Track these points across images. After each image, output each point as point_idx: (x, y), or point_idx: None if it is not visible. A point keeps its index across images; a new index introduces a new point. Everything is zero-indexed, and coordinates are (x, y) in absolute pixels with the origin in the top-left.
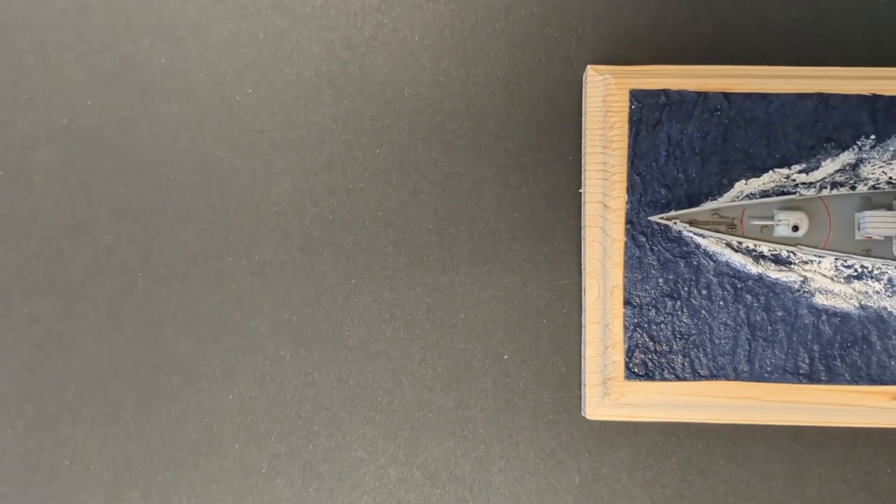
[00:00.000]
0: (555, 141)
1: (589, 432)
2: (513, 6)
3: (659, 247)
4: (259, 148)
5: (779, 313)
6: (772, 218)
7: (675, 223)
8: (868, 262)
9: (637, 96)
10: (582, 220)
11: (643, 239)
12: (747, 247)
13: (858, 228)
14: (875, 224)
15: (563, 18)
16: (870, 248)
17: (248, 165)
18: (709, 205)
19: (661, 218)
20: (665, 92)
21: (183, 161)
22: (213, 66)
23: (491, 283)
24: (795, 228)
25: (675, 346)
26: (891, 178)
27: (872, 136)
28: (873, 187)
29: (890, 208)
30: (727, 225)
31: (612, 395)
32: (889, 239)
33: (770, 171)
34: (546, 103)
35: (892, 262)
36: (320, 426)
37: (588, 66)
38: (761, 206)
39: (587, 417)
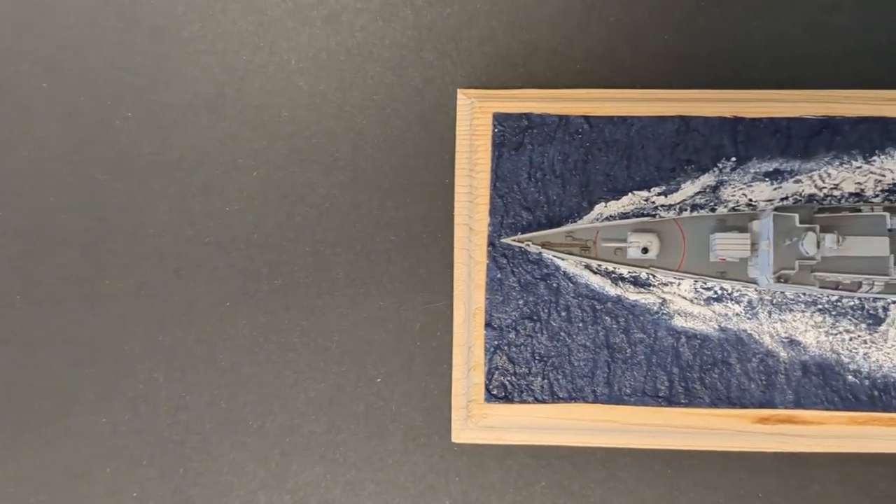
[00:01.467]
0: (431, 164)
1: (460, 455)
2: (389, 30)
3: (520, 269)
4: (137, 171)
5: (638, 335)
6: (625, 240)
7: (528, 245)
8: (727, 285)
9: (500, 120)
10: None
11: (504, 261)
12: (606, 269)
13: (712, 251)
14: (725, 246)
15: (440, 42)
16: (724, 271)
17: (126, 188)
18: (563, 227)
19: (514, 240)
20: (527, 115)
21: (62, 183)
22: (93, 90)
23: (366, 306)
24: (645, 250)
25: (534, 368)
26: (750, 200)
27: (733, 159)
28: (733, 209)
29: (745, 230)
30: (581, 247)
31: (473, 418)
32: (744, 261)
33: (630, 194)
34: (422, 126)
35: (746, 284)
36: (192, 450)
37: (458, 90)
38: (615, 228)
39: (453, 441)
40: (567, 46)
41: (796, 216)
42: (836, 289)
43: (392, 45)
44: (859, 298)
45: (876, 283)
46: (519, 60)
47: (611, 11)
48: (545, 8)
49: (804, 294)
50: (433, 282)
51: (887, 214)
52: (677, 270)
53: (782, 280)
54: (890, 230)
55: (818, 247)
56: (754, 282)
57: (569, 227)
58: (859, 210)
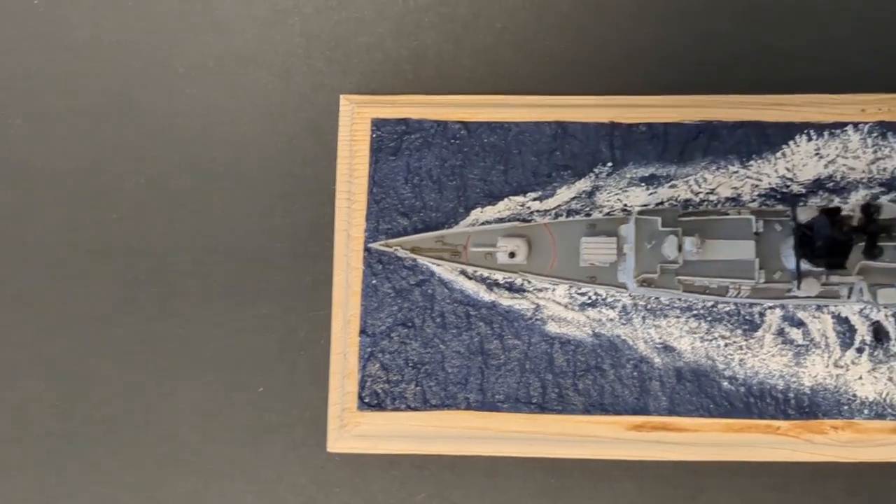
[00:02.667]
0: (317, 171)
1: (341, 466)
2: (277, 37)
3: (395, 275)
4: (23, 177)
5: (511, 341)
6: (494, 245)
7: (396, 250)
8: (602, 290)
9: (378, 125)
10: None
11: (380, 267)
12: (482, 275)
13: (581, 255)
14: (592, 251)
15: (328, 49)
16: (594, 276)
17: (11, 195)
18: (434, 232)
19: (382, 245)
20: (405, 121)
21: None
22: None
23: (249, 314)
24: (512, 255)
25: (407, 376)
26: (626, 205)
27: (609, 164)
28: (608, 214)
29: (614, 235)
30: (451, 252)
31: (347, 427)
32: (614, 266)
33: (506, 199)
34: (310, 133)
35: (619, 289)
36: (67, 459)
37: (341, 96)
38: (485, 233)
39: (328, 450)
40: (454, 53)
41: (659, 219)
42: (704, 293)
43: (280, 52)
44: (735, 304)
45: (742, 288)
46: (407, 67)
47: (497, 18)
48: (432, 15)
49: (679, 300)
50: (317, 289)
51: (753, 217)
52: (547, 275)
53: (646, 284)
54: (757, 234)
55: (679, 250)
56: (623, 286)
57: (439, 232)
58: (726, 213)
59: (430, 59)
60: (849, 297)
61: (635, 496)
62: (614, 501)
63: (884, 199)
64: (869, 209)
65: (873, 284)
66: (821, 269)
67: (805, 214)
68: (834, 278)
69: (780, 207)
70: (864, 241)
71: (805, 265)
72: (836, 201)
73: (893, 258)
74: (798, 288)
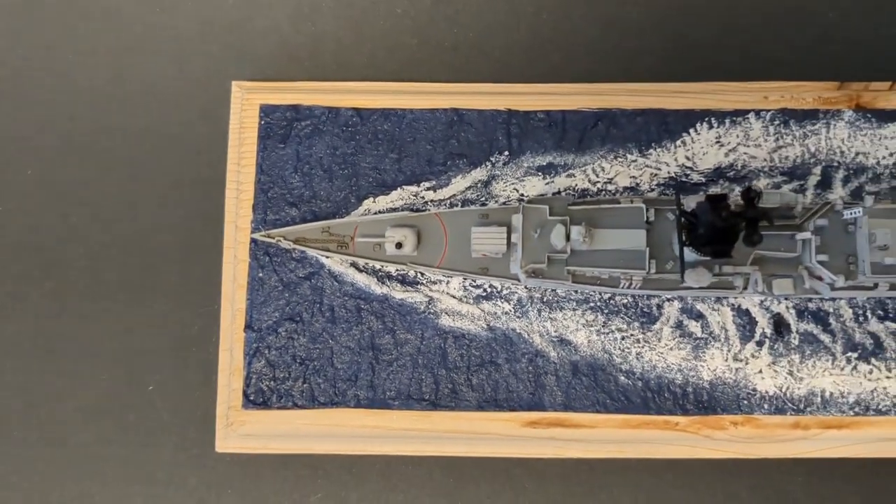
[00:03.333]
0: (211, 160)
1: (232, 466)
2: (171, 22)
3: (283, 268)
4: None
5: (403, 336)
6: (383, 235)
7: (280, 241)
8: (497, 283)
9: (267, 111)
10: None
11: (267, 260)
12: (374, 267)
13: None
14: (482, 241)
15: (223, 34)
16: (487, 267)
17: None
18: (320, 222)
19: (263, 235)
20: (295, 107)
21: None
22: None
23: (142, 310)
24: (399, 245)
25: (294, 372)
26: (522, 194)
27: (506, 153)
28: (504, 204)
29: (506, 225)
30: (338, 243)
31: (233, 426)
32: (507, 257)
33: (399, 189)
34: (204, 121)
35: (515, 281)
36: None
37: (232, 83)
38: (374, 223)
39: (217, 450)
40: (353, 39)
41: (547, 208)
42: (597, 284)
43: (174, 37)
44: (633, 296)
45: (634, 279)
46: (304, 53)
47: (397, 4)
48: (330, 0)
49: (576, 292)
50: (209, 283)
51: (644, 206)
52: (437, 267)
53: (535, 275)
54: (648, 223)
55: (567, 239)
56: (516, 278)
57: (325, 222)
58: (618, 202)
59: (328, 46)
60: (745, 288)
61: (536, 494)
62: (514, 500)
63: (785, 188)
64: (749, 194)
65: (769, 275)
66: (707, 258)
67: (693, 203)
68: (727, 269)
69: (672, 196)
70: (744, 229)
71: (695, 255)
72: (737, 190)
73: (790, 248)
74: (682, 278)
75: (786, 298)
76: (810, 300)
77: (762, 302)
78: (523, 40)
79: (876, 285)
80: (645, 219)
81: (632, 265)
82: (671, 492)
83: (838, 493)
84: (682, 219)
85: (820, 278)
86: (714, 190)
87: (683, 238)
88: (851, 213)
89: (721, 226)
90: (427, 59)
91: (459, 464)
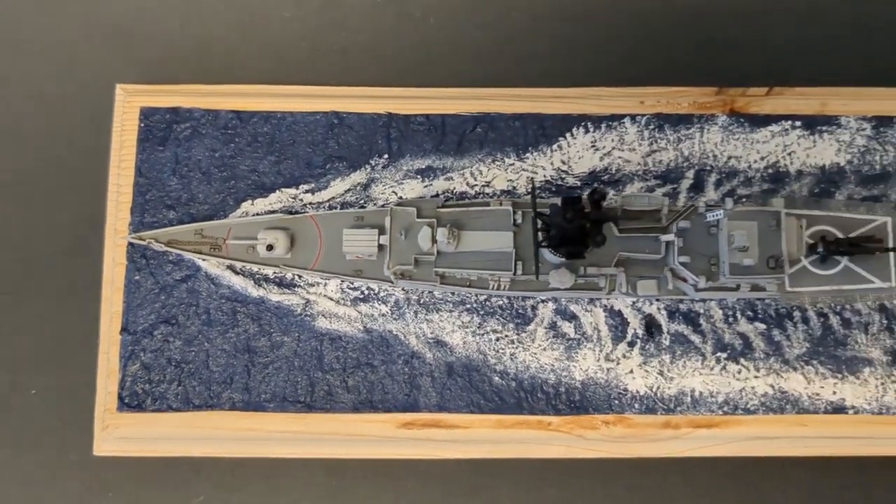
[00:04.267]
0: (96, 163)
1: (112, 469)
2: (56, 23)
3: (160, 270)
4: None
5: (279, 338)
6: (256, 238)
7: (151, 243)
8: (374, 285)
9: (147, 114)
10: None
11: (144, 262)
12: (250, 270)
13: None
14: (353, 243)
15: (109, 37)
16: (361, 269)
17: None
18: (193, 224)
19: (135, 237)
20: (175, 110)
21: None
22: None
23: (24, 313)
24: (270, 248)
25: (169, 375)
26: (401, 197)
27: (386, 156)
28: (382, 206)
29: (378, 227)
30: (211, 245)
31: (108, 429)
32: (381, 259)
33: (278, 191)
34: (89, 124)
35: (385, 283)
36: None
37: (116, 85)
38: (247, 225)
39: (94, 454)
40: (241, 43)
41: (414, 210)
42: (468, 286)
43: (59, 40)
44: (508, 298)
45: (502, 280)
46: (191, 56)
47: (286, 8)
48: (219, 3)
49: (452, 294)
50: (92, 286)
51: (511, 209)
52: (311, 269)
53: (405, 277)
54: (516, 225)
55: (433, 242)
56: (389, 280)
57: (198, 224)
58: (487, 204)
59: (216, 49)
60: (612, 289)
61: (417, 495)
62: (396, 501)
63: (659, 192)
64: (594, 196)
65: (634, 276)
66: (562, 259)
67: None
68: (592, 270)
69: (543, 200)
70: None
71: (555, 257)
72: (612, 193)
73: (655, 250)
74: (537, 278)
75: (657, 300)
76: (681, 301)
77: (634, 303)
78: (411, 45)
79: (738, 286)
80: (512, 221)
81: (499, 267)
82: (551, 491)
83: (713, 491)
84: (538, 221)
85: (684, 280)
86: (621, 197)
87: (540, 240)
88: (713, 216)
89: (567, 227)
90: (316, 62)
91: (342, 465)
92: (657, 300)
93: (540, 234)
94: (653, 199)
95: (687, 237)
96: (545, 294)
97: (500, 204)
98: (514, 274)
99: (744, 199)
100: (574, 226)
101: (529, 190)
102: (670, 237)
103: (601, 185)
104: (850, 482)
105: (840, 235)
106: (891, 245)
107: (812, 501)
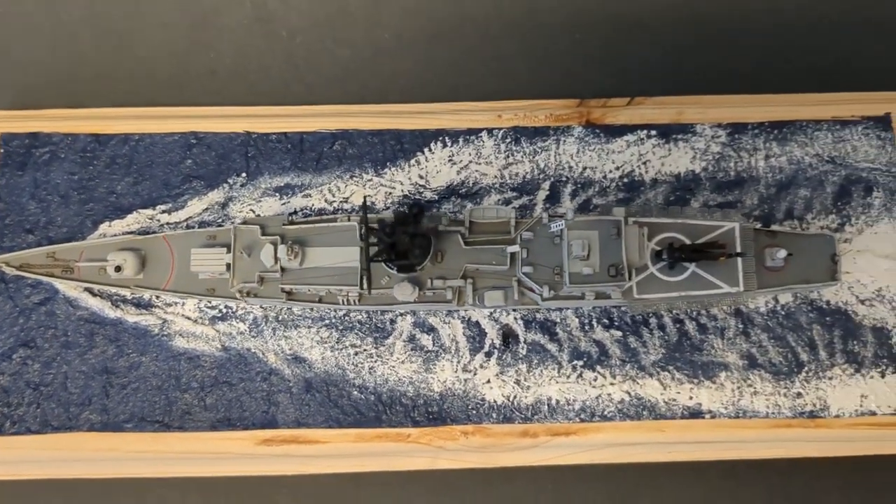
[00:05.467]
0: None
1: None
2: None
3: (18, 294)
4: None
5: (137, 358)
6: (107, 259)
7: (1, 266)
8: (232, 303)
9: (6, 140)
10: None
11: (3, 286)
12: (107, 291)
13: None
14: (201, 262)
15: None
16: (214, 288)
17: None
18: (44, 247)
19: None
20: (35, 135)
21: None
22: None
23: None
24: (118, 269)
25: (27, 398)
26: (258, 216)
27: (244, 174)
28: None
29: (227, 246)
30: (63, 268)
31: None
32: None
33: (135, 212)
34: None
35: (232, 300)
36: None
37: None
38: (99, 247)
39: None
40: (112, 68)
41: (258, 228)
42: (319, 302)
43: None
44: (367, 312)
45: (351, 295)
46: (60, 80)
47: (155, 32)
48: (87, 28)
49: (311, 310)
50: None
51: (357, 224)
52: (163, 289)
53: (252, 294)
54: (363, 240)
55: (276, 259)
56: (237, 298)
57: (50, 247)
58: (335, 220)
59: (84, 73)
60: (461, 301)
61: None
62: None
63: (516, 204)
64: (412, 211)
65: (484, 288)
66: (395, 271)
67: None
68: (438, 283)
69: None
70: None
71: (394, 271)
72: (469, 206)
73: (501, 261)
74: (369, 293)
75: (514, 310)
76: (538, 311)
77: (491, 314)
78: (278, 64)
79: (584, 295)
80: (359, 237)
81: (345, 282)
82: (419, 502)
83: (576, 499)
84: (369, 235)
85: (532, 290)
86: (448, 208)
87: (372, 254)
88: (556, 226)
89: (390, 242)
90: (184, 84)
91: (214, 483)
92: (514, 310)
93: (373, 248)
94: (501, 211)
95: (532, 248)
96: (402, 308)
97: (348, 219)
98: (361, 289)
99: (598, 209)
100: (396, 240)
101: (361, 206)
102: (515, 248)
103: (505, 202)
104: (714, 486)
105: (687, 242)
106: (738, 250)
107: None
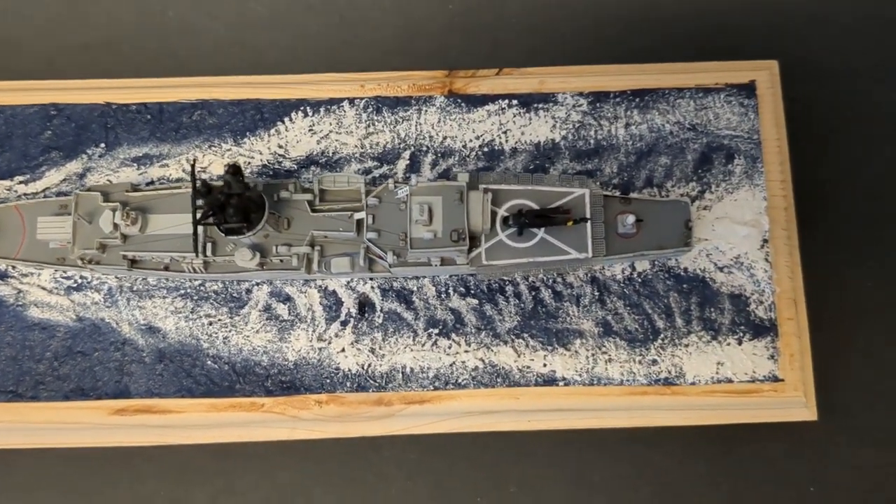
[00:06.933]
0: None
1: None
2: None
3: None
4: None
5: None
6: None
7: None
8: (87, 273)
9: None
10: None
11: None
12: None
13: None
14: (46, 231)
15: None
16: (64, 257)
17: None
18: None
19: None
20: None
21: None
22: None
23: None
24: None
25: None
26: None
27: (102, 145)
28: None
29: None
30: None
31: None
32: None
33: None
34: None
35: (91, 270)
36: None
37: None
38: None
39: None
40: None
41: (99, 195)
42: (162, 270)
43: None
44: (223, 282)
45: (195, 262)
46: None
47: (28, 4)
48: None
49: (167, 279)
50: None
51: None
52: (13, 258)
53: (94, 262)
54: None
55: (114, 225)
56: (83, 266)
57: None
58: (179, 188)
59: None
60: (308, 269)
61: (155, 481)
62: (131, 486)
63: (376, 173)
64: (229, 172)
65: (331, 255)
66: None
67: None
68: (283, 249)
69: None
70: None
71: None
72: (319, 174)
73: (349, 228)
74: (196, 256)
75: (371, 279)
76: (395, 280)
77: (349, 283)
78: (150, 39)
79: (430, 261)
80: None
81: (184, 248)
82: (281, 474)
83: (437, 467)
84: (196, 198)
85: (381, 257)
86: (307, 177)
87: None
88: (402, 192)
89: (206, 203)
90: (55, 58)
91: (71, 455)
92: (370, 279)
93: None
94: (352, 178)
95: (379, 214)
96: (249, 276)
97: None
98: (196, 255)
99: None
100: (211, 200)
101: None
102: (361, 215)
103: (364, 172)
104: (584, 456)
105: (536, 208)
106: (586, 216)
107: (535, 472)
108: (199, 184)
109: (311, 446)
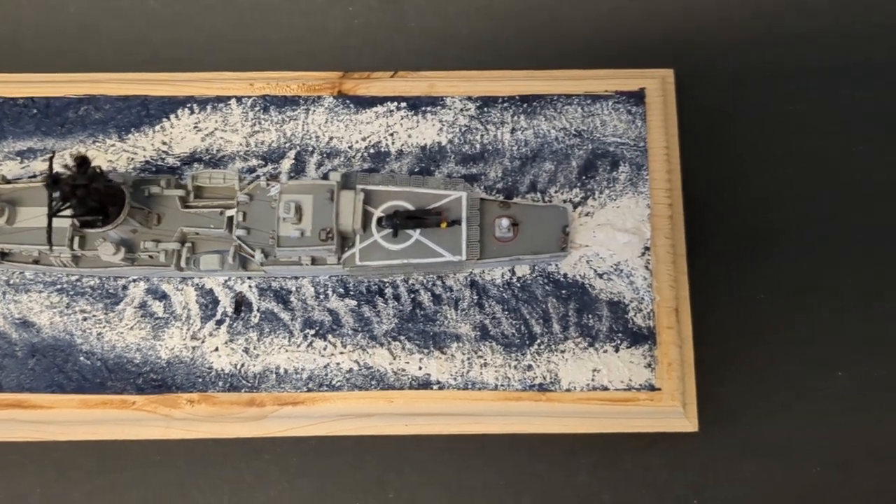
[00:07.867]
0: None
1: None
2: None
3: None
4: None
5: None
6: None
7: None
8: None
9: None
10: None
11: None
12: None
13: None
14: None
15: None
16: None
17: None
18: None
19: None
20: None
21: None
22: None
23: None
24: None
25: None
26: (3, 177)
27: None
28: None
29: None
30: None
31: None
32: None
33: None
34: None
35: None
36: None
37: None
38: None
39: None
40: None
41: None
42: (32, 263)
43: None
44: (100, 278)
45: (63, 256)
46: None
47: None
48: None
49: (44, 274)
50: None
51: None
52: None
53: None
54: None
55: None
56: None
57: None
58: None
59: None
60: (178, 265)
61: (33, 477)
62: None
63: (260, 172)
64: (75, 163)
65: (202, 252)
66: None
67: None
68: (150, 245)
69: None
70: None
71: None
72: (193, 170)
73: (219, 224)
74: (51, 249)
75: (249, 278)
76: (274, 279)
77: (226, 281)
78: (51, 34)
79: (300, 259)
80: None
81: (44, 242)
82: (151, 471)
83: (307, 470)
84: (52, 191)
85: (251, 255)
86: (191, 174)
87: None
88: (274, 190)
89: (57, 195)
90: None
91: None
92: (249, 278)
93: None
94: (227, 175)
95: (252, 212)
96: (117, 271)
97: None
98: (51, 249)
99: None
100: (59, 191)
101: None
102: (232, 212)
103: (248, 171)
104: (451, 460)
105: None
106: (462, 219)
107: (416, 478)
108: (48, 176)
109: (190, 446)
